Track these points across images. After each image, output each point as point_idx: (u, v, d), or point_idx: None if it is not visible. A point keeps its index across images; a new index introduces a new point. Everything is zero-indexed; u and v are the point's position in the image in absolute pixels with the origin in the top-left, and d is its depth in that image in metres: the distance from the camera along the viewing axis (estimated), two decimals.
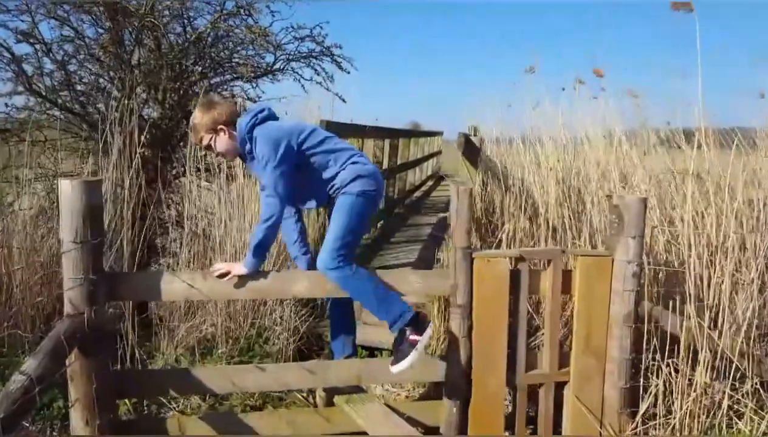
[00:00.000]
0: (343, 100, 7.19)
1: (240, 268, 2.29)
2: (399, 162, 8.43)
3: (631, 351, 2.53)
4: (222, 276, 2.26)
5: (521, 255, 2.47)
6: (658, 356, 2.54)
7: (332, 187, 2.52)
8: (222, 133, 2.45)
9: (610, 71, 3.86)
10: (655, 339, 2.54)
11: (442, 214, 7.97)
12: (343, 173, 2.51)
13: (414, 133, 9.51)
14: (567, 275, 2.57)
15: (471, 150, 3.78)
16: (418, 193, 10.75)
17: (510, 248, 3.17)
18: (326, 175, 2.51)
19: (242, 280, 2.26)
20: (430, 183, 13.33)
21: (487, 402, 2.49)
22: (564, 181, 3.69)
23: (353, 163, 2.53)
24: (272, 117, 2.53)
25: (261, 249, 2.32)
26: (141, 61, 5.96)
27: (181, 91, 6.38)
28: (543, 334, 2.69)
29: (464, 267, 2.39)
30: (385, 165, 7.26)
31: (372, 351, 3.64)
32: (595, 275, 2.54)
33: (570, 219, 3.38)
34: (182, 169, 5.25)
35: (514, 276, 2.47)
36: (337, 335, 2.75)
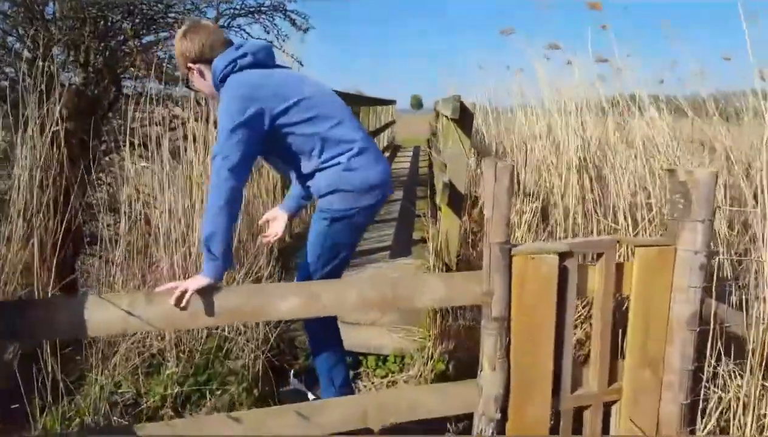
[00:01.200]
0: (301, 64, 6.41)
1: (198, 280, 1.64)
2: None
3: (694, 359, 2.06)
4: (178, 300, 1.57)
5: (570, 249, 1.91)
6: (723, 363, 2.09)
7: (308, 187, 2.02)
8: (193, 72, 1.98)
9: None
10: (719, 342, 2.09)
11: (419, 189, 7.40)
12: (319, 176, 1.96)
13: (372, 101, 8.81)
14: (618, 270, 2.04)
15: (465, 117, 3.19)
16: None
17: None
18: (303, 168, 1.98)
19: (205, 298, 1.60)
20: (387, 154, 12.71)
21: (527, 434, 1.95)
22: (579, 153, 3.17)
23: (337, 163, 1.94)
24: (259, 63, 1.93)
25: (217, 245, 1.71)
26: (57, 15, 5.03)
27: (108, 52, 5.46)
28: (587, 343, 2.17)
29: (502, 268, 1.82)
30: None
31: (356, 358, 3.06)
32: (655, 269, 2.03)
33: (594, 201, 2.88)
34: (113, 143, 4.44)
35: (560, 275, 1.92)
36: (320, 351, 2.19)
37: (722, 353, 2.05)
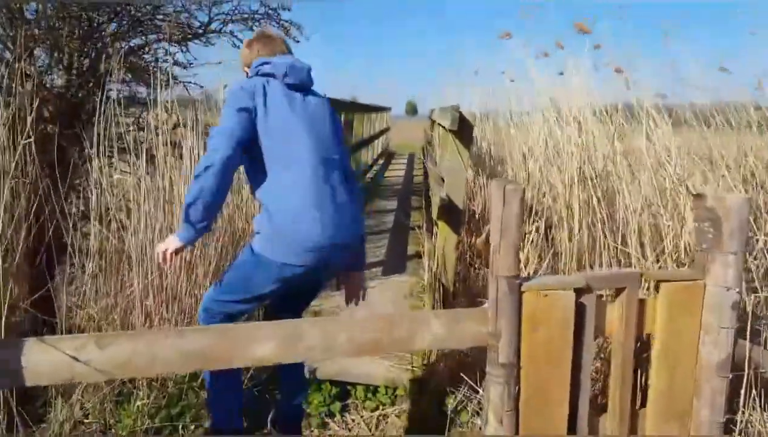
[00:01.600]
0: None
1: (171, 241, 1.78)
2: (353, 141, 7.54)
3: (725, 410, 1.83)
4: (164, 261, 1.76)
5: (587, 284, 1.69)
6: (758, 414, 1.87)
7: None
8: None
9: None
10: (754, 390, 1.87)
11: (415, 199, 7.18)
12: (257, 216, 1.88)
13: (366, 109, 8.61)
14: (639, 307, 1.82)
15: (464, 128, 2.98)
16: (370, 174, 9.89)
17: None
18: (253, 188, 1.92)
19: (166, 340, 1.36)
20: (381, 161, 12.50)
21: None
22: (584, 167, 2.96)
23: (265, 209, 1.85)
24: (273, 75, 1.90)
25: (197, 212, 1.72)
26: (39, 14, 4.81)
27: (93, 54, 5.22)
28: (598, 384, 1.94)
29: (510, 306, 1.59)
30: None
31: (344, 388, 2.82)
32: (682, 307, 1.81)
33: (601, 221, 2.66)
34: (93, 150, 4.21)
35: (576, 313, 1.70)
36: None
37: (758, 402, 1.82)
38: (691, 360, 1.85)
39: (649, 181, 2.95)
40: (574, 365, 1.72)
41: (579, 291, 1.69)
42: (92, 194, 2.96)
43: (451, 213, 3.09)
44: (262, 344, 1.38)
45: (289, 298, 2.01)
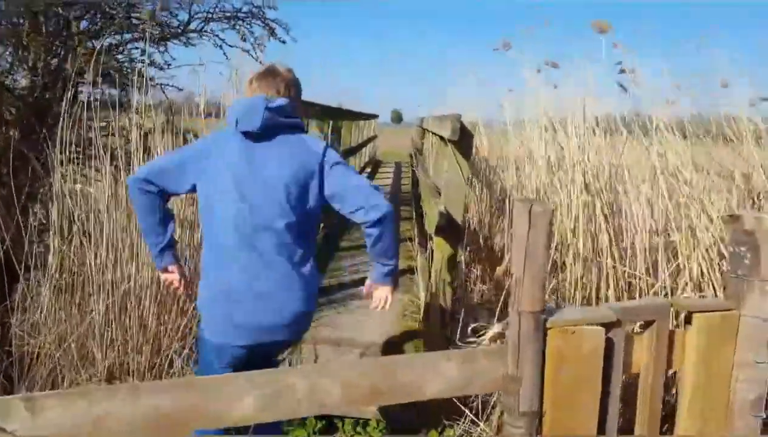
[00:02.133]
0: None
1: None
2: (341, 148, 7.27)
3: None
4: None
5: (617, 318, 1.47)
6: None
7: None
8: None
9: None
10: None
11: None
12: None
13: (355, 116, 8.36)
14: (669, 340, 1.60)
15: (464, 139, 2.76)
16: None
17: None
18: None
19: (119, 399, 1.10)
20: (368, 169, 12.25)
21: None
22: (591, 181, 2.75)
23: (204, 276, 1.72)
24: (231, 123, 1.66)
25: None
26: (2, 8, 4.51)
27: (62, 53, 4.92)
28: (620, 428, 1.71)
29: (534, 345, 1.36)
30: None
31: (331, 421, 2.56)
32: (715, 340, 1.60)
33: (609, 241, 2.45)
34: (59, 157, 3.91)
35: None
36: None
37: None
38: (724, 398, 1.65)
39: (658, 196, 2.74)
40: (601, 407, 1.50)
41: (607, 326, 1.47)
42: (52, 205, 2.68)
43: (449, 228, 2.86)
44: (241, 401, 1.12)
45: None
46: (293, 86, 1.75)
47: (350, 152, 8.16)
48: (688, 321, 1.58)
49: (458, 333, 2.52)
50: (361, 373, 1.25)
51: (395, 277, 1.78)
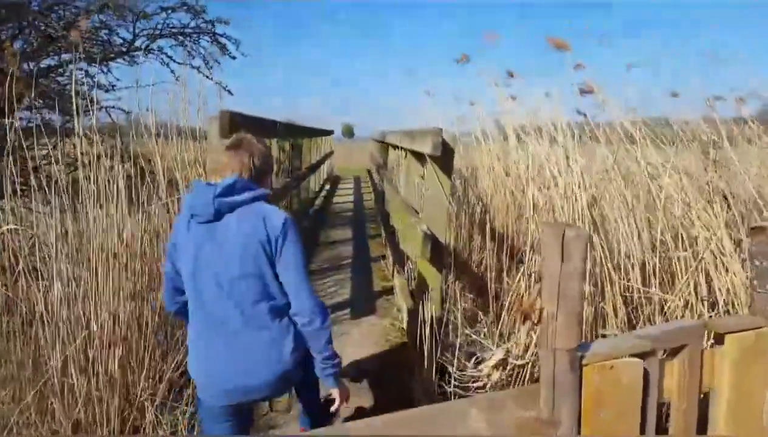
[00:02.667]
0: (230, 92, 5.70)
1: None
2: (303, 166, 7.06)
3: None
4: None
5: (653, 347, 1.34)
6: None
7: None
8: None
9: None
10: None
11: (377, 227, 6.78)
12: None
13: (313, 132, 8.15)
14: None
15: (446, 154, 2.64)
16: (318, 201, 9.41)
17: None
18: None
19: None
20: (328, 186, 12.04)
21: None
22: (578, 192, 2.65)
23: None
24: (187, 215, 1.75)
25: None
26: None
27: None
28: None
29: (572, 385, 1.22)
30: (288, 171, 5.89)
31: None
32: (749, 359, 1.50)
33: (602, 257, 2.36)
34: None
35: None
36: None
37: None
38: (759, 421, 1.54)
39: (648, 206, 2.67)
40: None
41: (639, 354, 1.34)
42: None
43: (433, 250, 2.71)
44: None
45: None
46: (257, 157, 1.82)
47: (312, 169, 7.96)
48: (719, 341, 1.47)
49: (455, 364, 2.38)
50: (386, 431, 1.07)
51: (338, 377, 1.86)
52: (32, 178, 2.66)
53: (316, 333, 1.74)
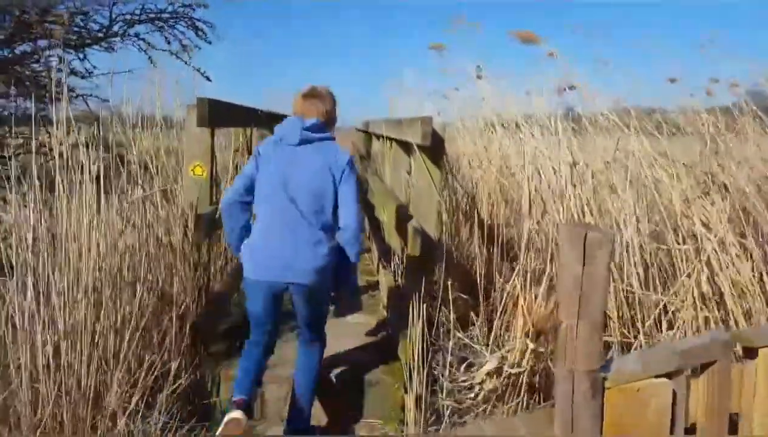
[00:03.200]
0: (208, 79, 5.49)
1: None
2: None
3: None
4: None
5: (679, 366, 1.20)
6: None
7: None
8: None
9: None
10: None
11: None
12: None
13: None
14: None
15: (435, 144, 2.49)
16: None
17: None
18: None
19: None
20: None
21: None
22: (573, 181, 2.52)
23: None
24: (277, 139, 2.29)
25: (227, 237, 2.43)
26: None
27: None
28: None
29: (594, 409, 1.07)
30: None
31: None
32: None
33: None
34: None
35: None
36: None
37: None
38: None
39: (646, 198, 2.55)
40: None
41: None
42: None
43: (424, 246, 2.56)
44: None
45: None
46: (329, 105, 2.34)
47: None
48: (748, 354, 1.34)
49: (447, 370, 2.24)
50: None
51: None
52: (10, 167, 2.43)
53: (352, 242, 2.26)
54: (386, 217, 4.32)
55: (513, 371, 1.93)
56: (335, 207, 2.22)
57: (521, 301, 1.92)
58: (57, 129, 3.02)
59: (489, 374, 2.02)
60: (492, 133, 3.64)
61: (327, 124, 2.30)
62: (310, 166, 2.19)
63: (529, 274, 2.24)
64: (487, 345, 2.27)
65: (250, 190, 2.24)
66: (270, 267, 2.18)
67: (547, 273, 2.01)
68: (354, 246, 2.28)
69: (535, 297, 1.83)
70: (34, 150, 2.80)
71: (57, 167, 2.45)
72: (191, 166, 2.63)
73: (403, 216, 2.97)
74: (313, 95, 2.31)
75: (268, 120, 5.04)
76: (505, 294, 2.31)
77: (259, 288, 2.21)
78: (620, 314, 2.25)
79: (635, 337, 2.13)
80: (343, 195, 2.23)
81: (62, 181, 2.34)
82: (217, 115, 2.54)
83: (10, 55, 4.25)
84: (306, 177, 2.18)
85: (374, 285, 4.11)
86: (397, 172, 4.02)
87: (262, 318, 2.29)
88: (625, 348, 2.10)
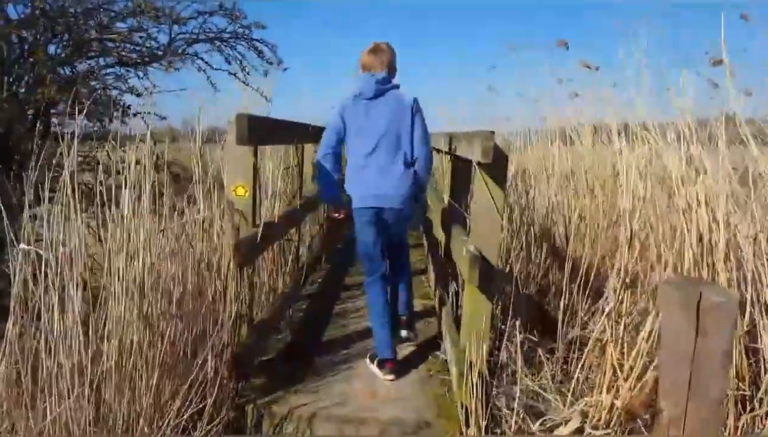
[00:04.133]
0: (267, 99, 5.43)
1: None
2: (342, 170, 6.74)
3: None
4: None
5: None
6: None
7: None
8: None
9: None
10: None
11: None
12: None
13: None
14: None
15: (498, 161, 2.23)
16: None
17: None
18: None
19: None
20: None
21: None
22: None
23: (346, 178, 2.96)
24: (355, 93, 2.85)
25: (320, 185, 2.96)
26: None
27: (30, 81, 4.44)
28: None
29: None
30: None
31: None
32: None
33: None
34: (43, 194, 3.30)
35: None
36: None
37: None
38: None
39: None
40: None
41: None
42: (16, 257, 2.07)
43: (483, 273, 2.30)
44: None
45: (388, 245, 3.00)
46: (391, 57, 2.87)
47: None
48: None
49: (513, 418, 1.96)
50: None
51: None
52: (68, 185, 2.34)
53: (423, 173, 2.86)
54: (443, 237, 4.06)
55: (597, 434, 1.62)
56: (411, 143, 2.79)
57: (610, 350, 1.62)
58: (118, 147, 2.96)
59: (571, 434, 1.73)
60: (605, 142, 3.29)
61: (390, 73, 2.86)
62: (386, 114, 2.77)
63: (623, 319, 1.91)
64: (560, 392, 1.97)
65: (339, 141, 2.81)
66: (368, 197, 2.78)
67: (651, 323, 1.67)
68: (424, 170, 2.87)
69: (628, 351, 1.53)
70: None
71: (124, 184, 2.31)
72: (233, 187, 2.49)
73: (460, 238, 2.72)
74: (374, 51, 2.87)
75: (319, 135, 4.93)
76: (591, 341, 1.99)
77: (365, 215, 2.80)
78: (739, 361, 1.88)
79: (754, 392, 1.75)
80: (415, 131, 2.80)
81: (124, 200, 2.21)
82: (259, 132, 2.40)
83: (70, 74, 4.30)
84: (384, 123, 2.76)
85: (430, 311, 3.85)
86: (456, 188, 3.75)
87: (371, 245, 2.87)
88: (740, 403, 1.74)
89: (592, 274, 2.68)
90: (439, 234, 4.82)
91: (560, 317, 2.47)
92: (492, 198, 2.41)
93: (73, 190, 2.11)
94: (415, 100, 2.78)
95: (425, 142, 2.82)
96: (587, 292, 2.59)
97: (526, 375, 2.11)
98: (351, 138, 2.77)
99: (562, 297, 2.60)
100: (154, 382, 2.04)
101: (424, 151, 2.82)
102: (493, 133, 2.26)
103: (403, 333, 3.26)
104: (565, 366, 2.25)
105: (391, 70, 2.86)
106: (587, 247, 2.87)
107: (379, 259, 2.90)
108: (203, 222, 2.57)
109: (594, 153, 3.38)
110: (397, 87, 2.83)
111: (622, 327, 2.02)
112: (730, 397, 1.69)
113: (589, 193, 3.15)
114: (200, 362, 2.18)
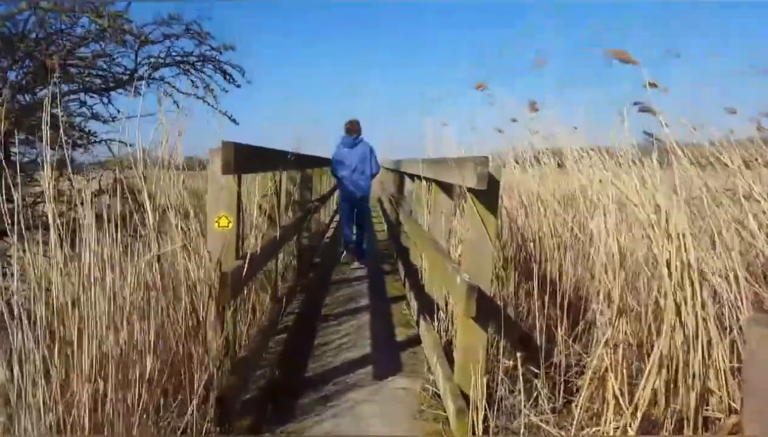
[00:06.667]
0: (235, 122, 5.32)
1: None
2: (313, 197, 6.74)
3: None
4: None
5: None
6: None
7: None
8: None
9: None
10: None
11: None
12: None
13: (323, 162, 7.67)
14: None
15: (492, 188, 2.18)
16: (329, 233, 8.96)
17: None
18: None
19: None
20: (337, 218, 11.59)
21: None
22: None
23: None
24: (340, 145, 6.51)
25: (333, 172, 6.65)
26: None
27: None
28: None
29: None
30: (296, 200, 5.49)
31: None
32: None
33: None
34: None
35: None
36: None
37: None
38: None
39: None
40: None
41: None
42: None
43: (479, 305, 2.23)
44: None
45: (357, 214, 6.76)
46: (359, 127, 6.49)
47: (321, 200, 7.55)
48: None
49: None
50: None
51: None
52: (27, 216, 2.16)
53: (376, 173, 6.61)
54: (427, 264, 3.99)
55: None
56: (371, 165, 6.33)
57: (611, 380, 1.57)
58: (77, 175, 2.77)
59: None
60: (557, 167, 3.31)
61: (358, 134, 6.39)
62: (358, 154, 6.29)
63: (620, 346, 1.87)
64: (562, 427, 1.91)
65: (336, 170, 6.32)
66: (351, 192, 6.35)
67: (657, 350, 1.64)
68: (375, 174, 6.57)
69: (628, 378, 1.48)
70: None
71: (81, 214, 2.17)
72: (216, 218, 2.36)
73: (449, 267, 2.66)
74: (352, 124, 6.40)
75: (298, 163, 4.82)
76: (589, 371, 1.94)
77: (348, 200, 6.48)
78: None
79: None
80: (371, 160, 6.37)
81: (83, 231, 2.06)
82: (245, 160, 2.29)
83: (31, 101, 4.09)
84: (358, 158, 6.26)
85: (414, 340, 3.76)
86: (437, 215, 3.71)
87: (349, 213, 6.60)
88: None
89: (567, 293, 2.67)
90: (417, 260, 4.77)
91: (542, 343, 2.42)
92: (484, 226, 2.36)
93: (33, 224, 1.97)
94: (371, 148, 6.45)
95: (377, 165, 6.49)
96: (569, 315, 2.56)
97: (525, 406, 2.03)
98: (340, 165, 6.29)
99: (543, 319, 2.57)
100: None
101: (376, 168, 6.48)
102: (487, 158, 2.22)
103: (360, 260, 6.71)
104: (559, 393, 2.19)
105: (359, 132, 6.39)
106: (570, 275, 2.87)
107: (352, 219, 6.60)
108: (181, 253, 2.43)
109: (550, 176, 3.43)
110: (361, 139, 6.39)
111: (620, 355, 1.98)
112: None
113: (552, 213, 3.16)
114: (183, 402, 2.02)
